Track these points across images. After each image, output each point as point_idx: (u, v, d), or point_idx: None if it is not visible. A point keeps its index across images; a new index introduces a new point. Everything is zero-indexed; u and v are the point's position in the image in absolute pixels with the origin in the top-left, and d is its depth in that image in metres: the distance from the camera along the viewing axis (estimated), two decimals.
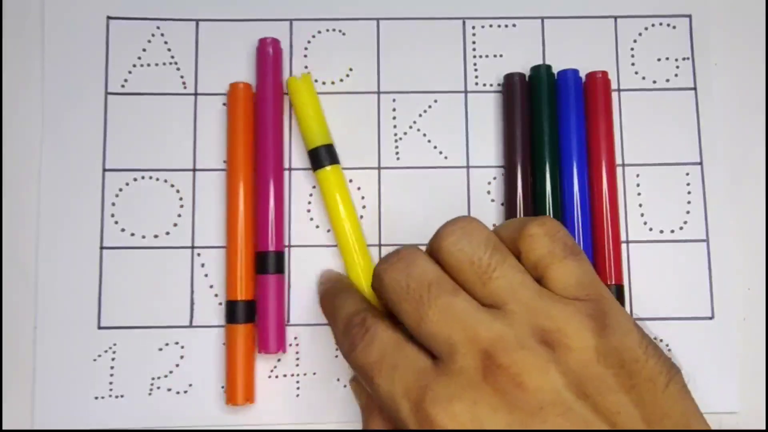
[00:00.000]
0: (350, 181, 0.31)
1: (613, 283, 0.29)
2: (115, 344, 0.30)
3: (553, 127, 0.30)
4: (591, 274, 0.22)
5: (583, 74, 0.31)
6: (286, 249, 0.30)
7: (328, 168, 0.30)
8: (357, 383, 0.27)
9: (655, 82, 0.32)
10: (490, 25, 0.32)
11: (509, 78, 0.31)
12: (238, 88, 0.30)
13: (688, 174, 0.31)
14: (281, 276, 0.29)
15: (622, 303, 0.30)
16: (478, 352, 0.20)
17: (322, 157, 0.30)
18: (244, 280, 0.29)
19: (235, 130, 0.30)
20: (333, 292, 0.27)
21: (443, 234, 0.22)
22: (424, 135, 0.31)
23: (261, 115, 0.30)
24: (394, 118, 0.31)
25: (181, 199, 0.31)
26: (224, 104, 0.31)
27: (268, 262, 0.29)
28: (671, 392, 0.20)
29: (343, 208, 0.29)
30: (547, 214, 0.29)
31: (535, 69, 0.31)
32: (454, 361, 0.20)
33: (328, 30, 0.32)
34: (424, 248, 0.23)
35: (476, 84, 0.32)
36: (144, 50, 0.31)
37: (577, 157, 0.30)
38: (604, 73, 0.31)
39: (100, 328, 0.30)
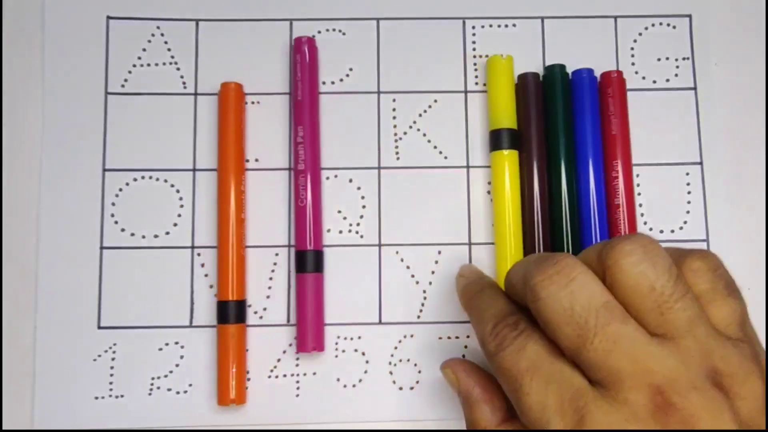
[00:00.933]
0: (350, 181, 0.31)
1: None
2: (115, 344, 0.30)
3: (569, 127, 0.30)
4: (747, 314, 0.21)
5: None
6: (286, 249, 0.30)
7: (506, 152, 0.30)
8: (450, 370, 0.25)
9: (655, 82, 0.32)
10: (490, 25, 0.32)
11: (523, 78, 0.31)
12: (229, 88, 0.30)
13: (688, 174, 0.31)
14: (320, 275, 0.30)
15: None
16: (648, 386, 0.18)
17: (502, 139, 0.30)
18: (235, 281, 0.29)
19: (227, 130, 0.30)
20: (478, 288, 0.25)
21: (622, 251, 0.20)
22: (424, 135, 0.31)
23: (299, 115, 0.30)
24: (394, 118, 0.31)
25: (181, 199, 0.31)
26: None
27: (307, 261, 0.29)
28: None
29: (510, 193, 0.29)
30: (564, 213, 0.29)
31: (549, 68, 0.31)
32: (620, 391, 0.19)
33: (328, 30, 0.32)
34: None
35: (476, 84, 0.32)
36: (144, 50, 0.31)
37: (593, 156, 0.30)
38: (619, 73, 0.31)
39: (100, 328, 0.30)
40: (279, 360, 0.30)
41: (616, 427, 0.18)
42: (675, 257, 0.21)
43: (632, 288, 0.20)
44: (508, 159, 0.30)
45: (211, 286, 0.30)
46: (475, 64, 0.32)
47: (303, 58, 0.30)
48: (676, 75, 0.32)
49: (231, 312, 0.29)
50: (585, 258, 0.21)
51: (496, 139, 0.30)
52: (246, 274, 0.30)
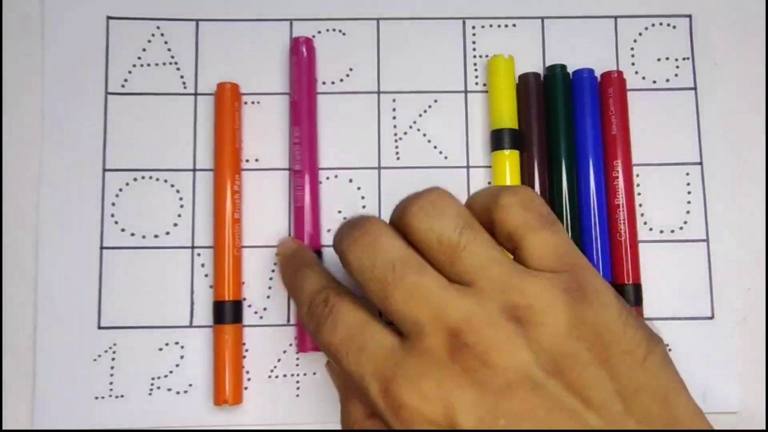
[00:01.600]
0: (350, 181, 0.31)
1: (631, 282, 0.29)
2: (115, 344, 0.30)
3: (569, 127, 0.30)
4: (568, 244, 0.21)
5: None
6: None
7: (507, 152, 0.30)
8: (331, 366, 0.26)
9: (655, 82, 0.32)
10: (490, 25, 0.32)
11: (524, 78, 0.31)
12: (225, 88, 0.30)
13: (688, 174, 0.31)
14: None
15: (639, 303, 0.29)
16: (445, 330, 0.19)
17: (504, 139, 0.30)
18: (231, 281, 0.29)
19: (223, 130, 0.30)
20: (294, 267, 0.26)
21: (410, 210, 0.21)
22: (424, 135, 0.31)
23: (296, 115, 0.30)
24: (394, 118, 0.31)
25: (181, 199, 0.31)
26: None
27: None
28: (650, 364, 0.19)
29: None
30: (564, 213, 0.29)
31: (551, 68, 0.31)
32: (421, 341, 0.20)
33: (328, 30, 0.32)
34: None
35: (476, 84, 0.32)
36: (144, 50, 0.31)
37: (593, 156, 0.30)
38: (619, 73, 0.31)
39: (100, 328, 0.30)
40: (279, 360, 0.30)
41: (423, 375, 0.19)
42: (489, 196, 0.21)
43: (423, 243, 0.21)
44: (510, 159, 0.30)
45: (211, 286, 0.30)
46: (475, 64, 0.32)
47: (300, 59, 0.30)
48: (676, 75, 0.32)
49: (227, 312, 0.29)
50: (391, 217, 0.22)
51: (498, 139, 0.30)
52: (242, 274, 0.30)
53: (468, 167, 0.31)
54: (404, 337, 0.20)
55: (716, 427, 0.21)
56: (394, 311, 0.20)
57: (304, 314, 0.23)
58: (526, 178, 0.30)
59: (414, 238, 0.21)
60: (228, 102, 0.30)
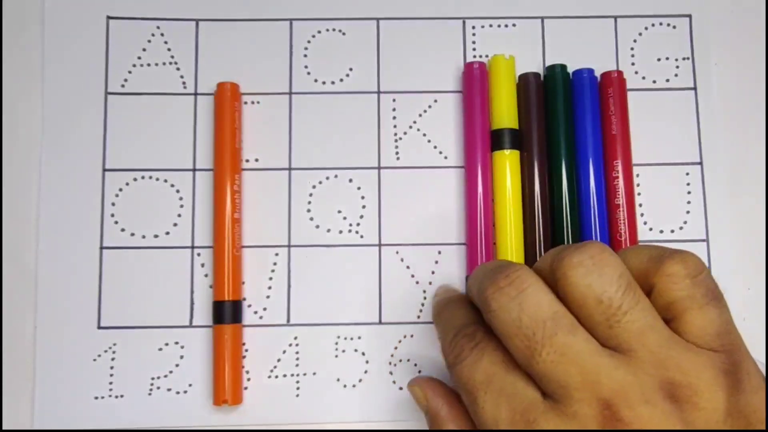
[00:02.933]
0: (350, 181, 0.31)
1: None
2: (115, 344, 0.30)
3: (569, 127, 0.30)
4: (731, 324, 0.20)
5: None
6: (286, 249, 0.30)
7: (507, 152, 0.30)
8: (418, 388, 0.25)
9: (655, 82, 0.32)
10: (490, 25, 0.32)
11: (524, 78, 0.31)
12: (225, 88, 0.30)
13: (688, 174, 0.31)
14: None
15: None
16: (597, 400, 0.18)
17: (504, 139, 0.30)
18: (231, 281, 0.29)
19: (223, 129, 0.30)
20: (445, 303, 0.25)
21: (570, 263, 0.19)
22: (424, 135, 0.31)
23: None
24: (394, 118, 0.31)
25: (181, 199, 0.31)
26: None
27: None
28: None
29: (511, 193, 0.29)
30: (564, 213, 0.29)
31: (550, 68, 0.31)
32: (569, 405, 0.18)
33: (328, 30, 0.32)
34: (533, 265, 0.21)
35: None
36: (144, 50, 0.31)
37: (593, 156, 0.30)
38: (619, 73, 0.31)
39: (100, 328, 0.30)
40: (279, 360, 0.30)
41: None
42: (654, 259, 0.20)
43: (580, 301, 0.19)
44: (510, 159, 0.30)
45: (210, 286, 0.30)
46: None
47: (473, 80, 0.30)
48: (676, 75, 0.32)
49: (227, 312, 0.29)
50: (540, 268, 0.21)
51: (498, 139, 0.30)
52: (242, 274, 0.30)
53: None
54: (548, 396, 0.19)
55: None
56: (541, 371, 0.19)
57: (446, 344, 0.22)
58: (526, 178, 0.30)
59: (569, 294, 0.19)
60: (228, 102, 0.30)
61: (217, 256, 0.29)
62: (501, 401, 0.20)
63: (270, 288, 0.30)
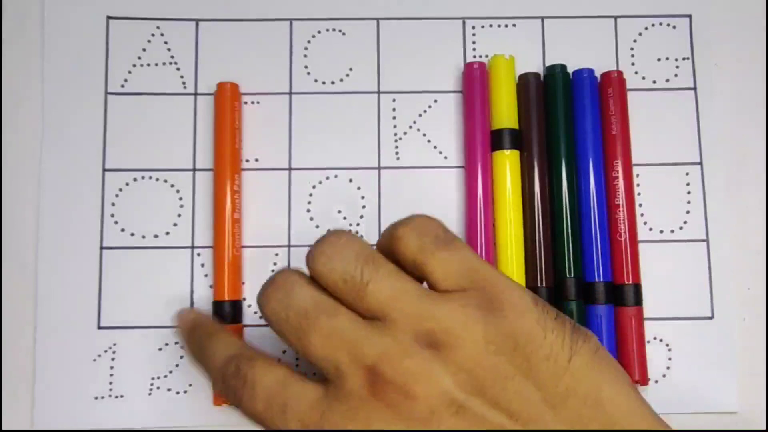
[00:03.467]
0: (350, 181, 0.31)
1: (631, 282, 0.29)
2: (115, 344, 0.30)
3: (569, 127, 0.30)
4: (471, 260, 0.21)
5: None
6: (286, 249, 0.30)
7: (507, 152, 0.30)
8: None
9: (655, 82, 0.32)
10: (490, 25, 0.32)
11: (524, 78, 0.31)
12: (225, 88, 0.30)
13: (688, 174, 0.31)
14: None
15: (639, 303, 0.29)
16: (363, 369, 0.19)
17: (504, 139, 0.30)
18: (230, 281, 0.29)
19: (223, 129, 0.30)
20: (197, 340, 0.25)
21: (313, 256, 0.21)
22: (424, 135, 0.31)
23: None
24: (394, 118, 0.31)
25: (181, 199, 0.31)
26: None
27: None
28: (576, 366, 0.19)
29: (511, 193, 0.29)
30: (564, 213, 0.29)
31: (550, 68, 0.31)
32: (343, 384, 0.19)
33: (328, 30, 0.32)
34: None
35: None
36: (144, 50, 0.31)
37: (593, 156, 0.30)
38: (619, 73, 0.31)
39: (100, 328, 0.30)
40: (279, 360, 0.30)
41: (350, 418, 0.19)
42: (386, 232, 0.22)
43: (332, 286, 0.20)
44: (510, 159, 0.30)
45: (210, 286, 0.30)
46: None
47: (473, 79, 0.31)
48: (676, 75, 0.32)
49: (227, 312, 0.29)
50: (379, 243, 0.22)
51: (498, 139, 0.30)
52: (242, 274, 0.30)
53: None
54: (328, 382, 0.20)
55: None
56: (313, 356, 0.20)
57: (219, 389, 0.23)
58: (526, 178, 0.30)
59: (322, 282, 0.21)
60: (228, 102, 0.30)
61: (217, 256, 0.29)
62: (286, 416, 0.20)
63: None
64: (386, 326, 0.20)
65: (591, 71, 0.31)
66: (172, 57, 0.32)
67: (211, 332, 0.24)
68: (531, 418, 0.19)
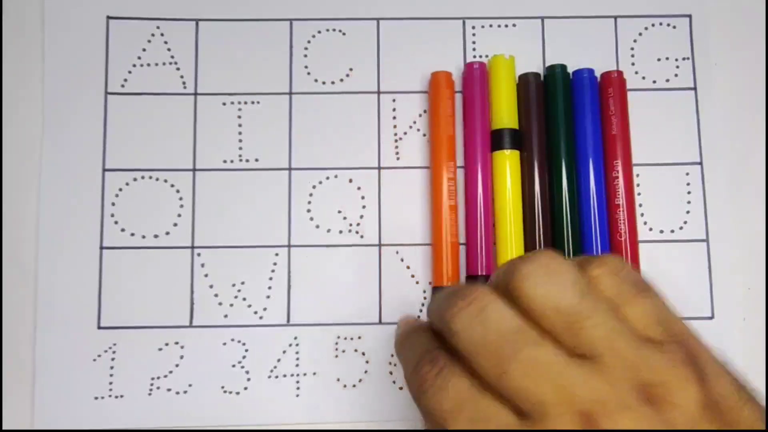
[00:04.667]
0: (350, 181, 0.31)
1: None
2: (115, 344, 0.30)
3: (569, 127, 0.30)
4: (670, 313, 0.20)
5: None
6: (286, 249, 0.30)
7: (507, 152, 0.30)
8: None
9: (655, 82, 0.32)
10: (490, 25, 0.32)
11: (524, 78, 0.31)
12: (439, 78, 0.30)
13: (688, 174, 0.31)
14: None
15: None
16: (575, 413, 0.18)
17: (504, 139, 0.30)
18: (451, 267, 0.29)
19: (438, 121, 0.30)
20: (406, 333, 0.24)
21: (521, 275, 0.19)
22: (424, 135, 0.31)
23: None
24: (394, 118, 0.31)
25: (181, 199, 0.31)
26: (224, 104, 0.31)
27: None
28: (747, 418, 0.18)
29: (511, 193, 0.30)
30: (564, 213, 0.30)
31: (550, 68, 0.31)
32: (546, 422, 0.18)
33: (328, 30, 0.32)
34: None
35: None
36: (144, 50, 0.31)
37: (593, 156, 0.30)
38: (619, 73, 0.31)
39: (100, 328, 0.30)
40: (279, 360, 0.30)
41: None
42: (574, 268, 0.20)
43: (539, 312, 0.19)
44: (510, 159, 0.30)
45: (211, 286, 0.30)
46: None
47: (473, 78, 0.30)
48: (676, 75, 0.32)
49: None
50: (495, 283, 0.20)
51: (498, 139, 0.30)
52: (460, 259, 0.30)
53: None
54: (523, 416, 0.18)
55: None
56: (512, 388, 0.18)
57: (409, 375, 0.21)
58: (526, 178, 0.30)
59: (528, 307, 0.19)
60: (443, 90, 0.30)
61: (436, 243, 0.29)
62: (475, 428, 0.19)
63: (270, 288, 0.30)
64: (600, 369, 0.18)
65: (591, 71, 0.31)
66: (172, 57, 0.32)
67: (421, 327, 0.23)
68: None
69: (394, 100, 0.32)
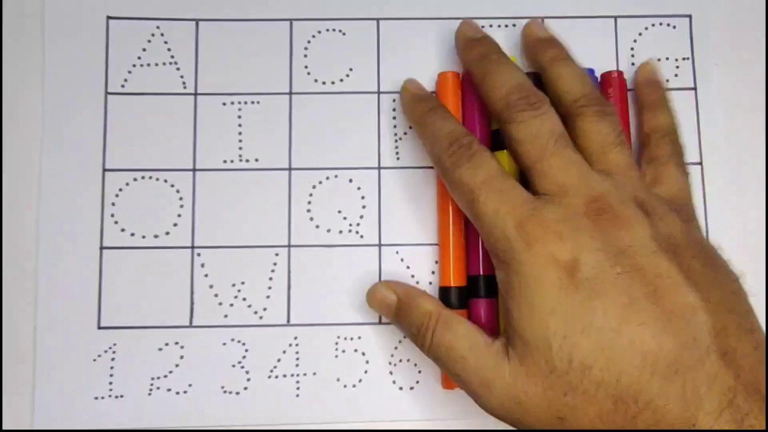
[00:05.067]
0: (350, 181, 0.31)
1: None
2: (115, 344, 0.30)
3: None
4: (689, 189, 0.28)
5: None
6: (286, 249, 0.30)
7: (507, 152, 0.29)
8: (386, 286, 0.28)
9: None
10: (490, 25, 0.32)
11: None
12: (446, 78, 0.30)
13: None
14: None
15: None
16: (587, 195, 0.23)
17: (503, 139, 0.29)
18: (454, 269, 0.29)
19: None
20: (428, 106, 0.28)
21: (588, 113, 0.26)
22: None
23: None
24: (394, 118, 0.31)
25: (181, 199, 0.31)
26: (224, 104, 0.31)
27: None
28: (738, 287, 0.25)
29: None
30: None
31: None
32: (563, 197, 0.24)
33: (328, 30, 0.32)
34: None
35: None
36: (144, 50, 0.31)
37: None
38: (620, 73, 0.31)
39: (100, 328, 0.30)
40: (279, 360, 0.30)
41: (558, 219, 0.23)
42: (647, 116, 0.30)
43: (591, 134, 0.26)
44: (510, 159, 0.30)
45: (211, 286, 0.30)
46: None
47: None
48: (676, 75, 0.32)
49: (454, 297, 0.29)
50: (559, 97, 0.27)
51: (498, 139, 0.30)
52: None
53: None
54: (541, 196, 0.24)
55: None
56: (546, 172, 0.24)
57: (442, 150, 0.26)
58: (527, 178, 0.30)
59: (583, 129, 0.26)
60: (450, 90, 0.30)
61: (443, 244, 0.29)
62: (501, 196, 0.24)
63: (270, 288, 0.30)
64: (612, 179, 0.24)
65: (591, 71, 0.31)
66: (172, 57, 0.32)
67: (445, 108, 0.29)
68: (703, 291, 0.22)
69: (394, 100, 0.32)
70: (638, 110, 0.31)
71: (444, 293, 0.29)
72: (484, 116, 0.30)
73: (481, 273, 0.28)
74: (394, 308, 0.28)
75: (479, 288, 0.28)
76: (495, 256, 0.24)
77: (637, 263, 0.22)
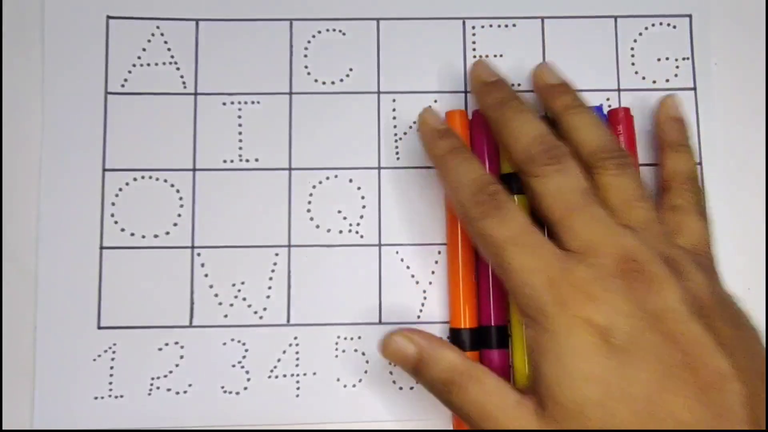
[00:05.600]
0: (350, 181, 0.31)
1: None
2: (114, 344, 0.30)
3: None
4: (710, 237, 0.27)
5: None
6: (286, 249, 0.30)
7: (517, 196, 0.28)
8: (405, 336, 0.26)
9: (655, 82, 0.32)
10: (490, 25, 0.32)
11: None
12: (454, 117, 0.30)
13: None
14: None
15: None
16: (615, 254, 0.23)
17: (512, 186, 0.28)
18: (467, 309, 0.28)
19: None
20: (450, 145, 0.27)
21: (610, 167, 0.26)
22: None
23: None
24: (394, 118, 0.31)
25: (181, 199, 0.31)
26: (224, 104, 0.31)
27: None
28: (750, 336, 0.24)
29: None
30: None
31: None
32: (592, 257, 0.23)
33: (328, 30, 0.32)
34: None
35: None
36: (144, 50, 0.31)
37: None
38: (626, 110, 0.30)
39: (100, 328, 0.30)
40: (279, 360, 0.30)
41: (590, 279, 0.22)
42: (662, 150, 0.30)
43: (613, 188, 0.25)
44: (521, 201, 0.29)
45: (211, 286, 0.30)
46: None
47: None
48: (676, 75, 0.32)
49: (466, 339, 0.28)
50: (577, 148, 0.26)
51: (509, 183, 0.29)
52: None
53: None
54: (569, 252, 0.23)
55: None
56: (573, 228, 0.24)
57: (466, 198, 0.25)
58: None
59: (608, 185, 0.26)
60: (458, 129, 0.29)
61: (452, 284, 0.29)
62: (530, 253, 0.23)
63: (270, 288, 0.30)
64: (640, 235, 0.24)
65: (599, 109, 0.30)
66: (172, 57, 0.32)
67: (469, 150, 0.28)
68: (734, 357, 0.22)
69: (394, 100, 0.32)
70: (659, 146, 0.30)
71: (455, 335, 0.29)
72: (494, 159, 0.29)
73: (493, 323, 0.28)
74: (413, 361, 0.26)
75: (491, 339, 0.28)
76: (524, 314, 0.24)
77: (671, 329, 0.22)
